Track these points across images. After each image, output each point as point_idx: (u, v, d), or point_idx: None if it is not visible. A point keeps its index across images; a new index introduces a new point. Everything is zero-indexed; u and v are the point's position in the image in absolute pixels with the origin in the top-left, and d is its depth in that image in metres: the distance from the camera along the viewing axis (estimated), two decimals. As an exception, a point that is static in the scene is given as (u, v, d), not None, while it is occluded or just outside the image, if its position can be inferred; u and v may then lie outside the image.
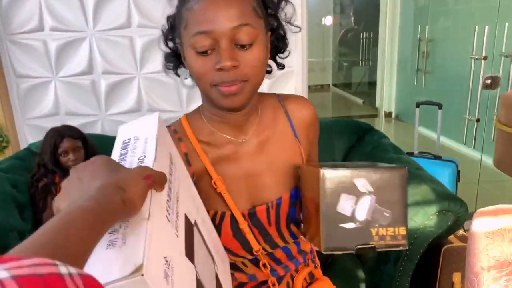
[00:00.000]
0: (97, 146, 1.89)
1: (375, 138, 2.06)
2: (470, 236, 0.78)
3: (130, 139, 0.58)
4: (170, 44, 0.78)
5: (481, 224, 0.76)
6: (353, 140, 2.09)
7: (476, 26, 2.49)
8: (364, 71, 6.37)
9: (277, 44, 0.78)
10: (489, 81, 2.40)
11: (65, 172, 1.75)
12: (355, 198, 0.66)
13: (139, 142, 0.57)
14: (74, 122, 1.96)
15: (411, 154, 2.31)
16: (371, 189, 0.66)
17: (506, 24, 2.49)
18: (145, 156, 0.54)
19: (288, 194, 0.81)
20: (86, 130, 1.89)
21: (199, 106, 0.82)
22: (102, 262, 0.41)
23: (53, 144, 1.73)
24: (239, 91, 0.68)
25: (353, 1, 6.87)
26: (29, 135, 2.10)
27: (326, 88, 7.70)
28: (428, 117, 3.07)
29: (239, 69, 0.67)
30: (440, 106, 2.29)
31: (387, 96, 5.06)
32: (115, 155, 0.56)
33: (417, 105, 2.37)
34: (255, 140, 0.80)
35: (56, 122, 1.95)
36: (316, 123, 0.87)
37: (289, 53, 0.81)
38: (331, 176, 0.66)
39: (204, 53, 0.67)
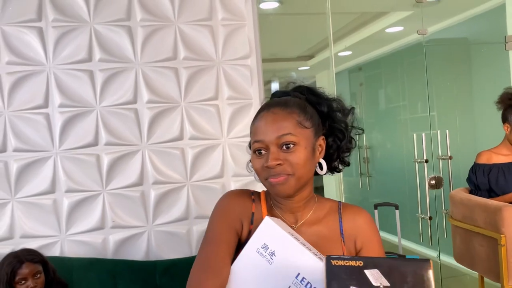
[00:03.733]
0: (57, 269, 1.76)
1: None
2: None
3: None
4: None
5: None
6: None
7: (414, 134, 2.83)
8: (310, 178, 6.69)
9: (339, 144, 0.96)
10: (433, 182, 2.64)
11: (19, 302, 1.58)
12: None
13: None
14: (30, 245, 1.83)
15: (376, 255, 2.37)
16: (387, 284, 0.60)
17: (438, 131, 2.86)
18: None
19: None
20: (43, 253, 1.77)
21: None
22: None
23: (10, 272, 1.59)
24: (284, 182, 0.87)
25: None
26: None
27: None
28: (379, 219, 3.24)
29: (283, 166, 0.87)
30: (396, 207, 2.45)
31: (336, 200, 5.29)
32: None
33: (375, 207, 2.52)
34: (304, 228, 0.94)
35: (10, 247, 1.82)
36: (368, 232, 0.95)
37: (350, 152, 0.99)
38: (336, 264, 0.61)
39: (259, 154, 0.90)
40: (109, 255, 2.04)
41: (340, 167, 1.00)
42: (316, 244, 0.90)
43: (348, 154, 1.00)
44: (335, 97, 0.99)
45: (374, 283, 0.61)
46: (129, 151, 2.06)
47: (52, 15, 1.98)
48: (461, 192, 2.25)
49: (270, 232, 0.78)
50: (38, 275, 1.63)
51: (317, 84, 5.89)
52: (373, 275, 0.61)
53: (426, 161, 2.74)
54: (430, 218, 2.77)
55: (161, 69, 2.10)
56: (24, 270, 1.59)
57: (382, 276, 0.61)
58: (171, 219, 2.11)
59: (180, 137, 2.12)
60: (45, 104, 1.97)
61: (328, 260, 0.62)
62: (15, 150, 1.93)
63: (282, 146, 0.87)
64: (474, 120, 3.47)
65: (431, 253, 3.10)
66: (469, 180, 2.29)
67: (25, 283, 1.59)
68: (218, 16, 2.18)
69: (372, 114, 4.82)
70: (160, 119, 2.10)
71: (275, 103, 0.92)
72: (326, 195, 5.67)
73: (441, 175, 2.73)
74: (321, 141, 0.94)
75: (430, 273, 0.62)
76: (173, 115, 2.12)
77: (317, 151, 0.92)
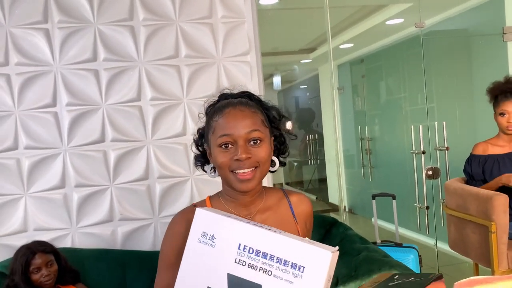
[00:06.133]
0: (69, 260, 1.86)
1: (341, 230, 2.20)
2: (453, 307, 0.89)
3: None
4: (200, 148, 1.05)
5: (460, 296, 0.87)
6: (321, 234, 2.21)
7: (412, 126, 2.89)
8: (314, 169, 6.76)
9: (279, 147, 1.05)
10: (430, 172, 2.71)
11: (36, 290, 1.68)
12: None
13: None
14: (43, 237, 1.93)
15: (374, 243, 2.45)
16: None
17: (435, 123, 2.91)
18: None
19: None
20: (55, 245, 1.87)
21: (220, 191, 1.06)
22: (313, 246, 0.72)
23: (24, 262, 1.68)
24: (251, 178, 0.93)
25: (296, 109, 7.53)
26: (-7, 254, 2.00)
27: (279, 187, 7.97)
28: (380, 208, 3.31)
29: (251, 159, 0.93)
30: (393, 197, 2.52)
31: (338, 191, 5.36)
32: None
33: (373, 197, 2.59)
34: (258, 216, 1.02)
35: (24, 239, 1.91)
36: (312, 215, 1.09)
37: (288, 154, 1.07)
38: None
39: (226, 148, 0.93)
40: (118, 246, 2.14)
41: (276, 167, 1.06)
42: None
43: (284, 156, 1.08)
44: (273, 105, 1.06)
45: None
46: (135, 147, 2.15)
47: (57, 16, 2.06)
48: (455, 182, 2.31)
49: (204, 220, 0.83)
50: (51, 264, 1.73)
51: (319, 77, 5.93)
52: None
53: (423, 152, 2.80)
54: (427, 207, 2.85)
55: (164, 67, 2.18)
56: (37, 260, 1.69)
57: None
58: (176, 211, 2.18)
59: (183, 133, 2.20)
60: (53, 103, 2.06)
61: None
62: (26, 148, 2.02)
63: (250, 141, 0.93)
64: (473, 111, 3.51)
65: (428, 241, 3.17)
66: (465, 170, 2.35)
67: (40, 272, 1.69)
68: (218, 14, 2.24)
69: (374, 106, 4.87)
70: (164, 115, 2.18)
71: (238, 102, 0.97)
72: (330, 187, 5.74)
73: (438, 166, 2.80)
74: (272, 141, 1.02)
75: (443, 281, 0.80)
76: (176, 111, 2.19)
77: (271, 148, 1.00)
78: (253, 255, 0.76)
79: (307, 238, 0.78)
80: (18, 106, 2.02)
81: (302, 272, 0.72)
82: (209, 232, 0.82)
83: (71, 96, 2.07)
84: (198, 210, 0.86)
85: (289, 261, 0.73)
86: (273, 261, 0.74)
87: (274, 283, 0.74)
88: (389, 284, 0.81)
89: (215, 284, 0.80)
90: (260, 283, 0.75)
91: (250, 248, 0.77)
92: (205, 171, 1.07)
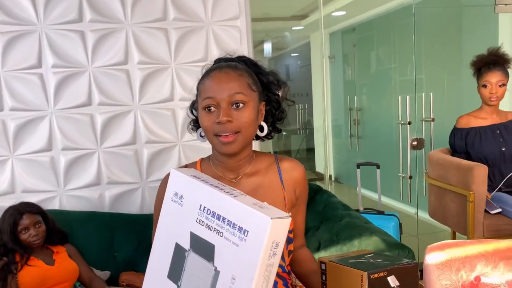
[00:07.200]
0: (57, 221, 1.88)
1: (325, 197, 2.25)
2: (424, 268, 0.94)
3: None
4: (194, 112, 1.05)
5: (432, 258, 0.92)
6: (306, 200, 2.26)
7: (399, 97, 2.90)
8: (302, 139, 6.80)
9: (273, 112, 1.04)
10: (415, 143, 2.76)
11: (25, 249, 1.71)
12: None
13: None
14: (31, 199, 1.94)
15: (357, 210, 2.52)
16: (398, 283, 0.78)
17: (423, 94, 2.94)
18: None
19: None
20: (43, 207, 1.88)
21: (210, 155, 1.07)
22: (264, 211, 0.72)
23: (12, 222, 1.71)
24: (234, 141, 0.94)
25: (288, 77, 7.48)
26: (-21, 215, 2.01)
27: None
28: (364, 177, 3.38)
29: (233, 124, 0.93)
30: (378, 166, 2.57)
31: (325, 160, 5.44)
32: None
33: (358, 166, 2.64)
34: (244, 180, 1.03)
35: (11, 201, 1.93)
36: (304, 183, 1.08)
37: (283, 121, 1.06)
38: (374, 277, 0.76)
39: (209, 110, 0.94)
40: (106, 209, 2.16)
41: (272, 134, 1.07)
42: (257, 192, 1.00)
43: (280, 122, 1.07)
44: (271, 70, 1.06)
45: (392, 285, 0.80)
46: (122, 111, 2.14)
47: (41, -26, 1.99)
48: (438, 153, 2.36)
49: (177, 180, 0.87)
50: (39, 225, 1.75)
51: (311, 44, 5.86)
52: (392, 280, 0.80)
53: (409, 123, 2.84)
54: (410, 177, 2.92)
55: (151, 30, 2.14)
56: (25, 220, 1.71)
57: (395, 279, 0.80)
58: (164, 176, 2.21)
59: (170, 98, 2.19)
60: (39, 64, 2.02)
61: (369, 276, 0.78)
62: (12, 109, 2.00)
63: (233, 104, 0.93)
64: (461, 83, 3.54)
65: (410, 209, 3.27)
66: (449, 142, 2.40)
67: (28, 232, 1.71)
68: (208, -23, 2.19)
69: (364, 76, 4.87)
70: (151, 80, 2.16)
71: (226, 65, 0.98)
72: (317, 156, 5.81)
73: (423, 137, 2.85)
74: (262, 106, 1.01)
75: (417, 269, 0.83)
76: (164, 76, 2.17)
77: (259, 114, 1.00)
78: (210, 216, 0.79)
79: (265, 203, 0.79)
80: (2, 66, 1.98)
81: (246, 236, 0.73)
82: (179, 192, 0.86)
83: (56, 58, 2.03)
84: (172, 171, 0.89)
85: (237, 224, 0.75)
86: (224, 223, 0.77)
87: (224, 245, 0.76)
88: (357, 260, 0.84)
89: (181, 241, 0.84)
90: (213, 243, 0.78)
91: (208, 209, 0.80)
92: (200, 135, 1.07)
